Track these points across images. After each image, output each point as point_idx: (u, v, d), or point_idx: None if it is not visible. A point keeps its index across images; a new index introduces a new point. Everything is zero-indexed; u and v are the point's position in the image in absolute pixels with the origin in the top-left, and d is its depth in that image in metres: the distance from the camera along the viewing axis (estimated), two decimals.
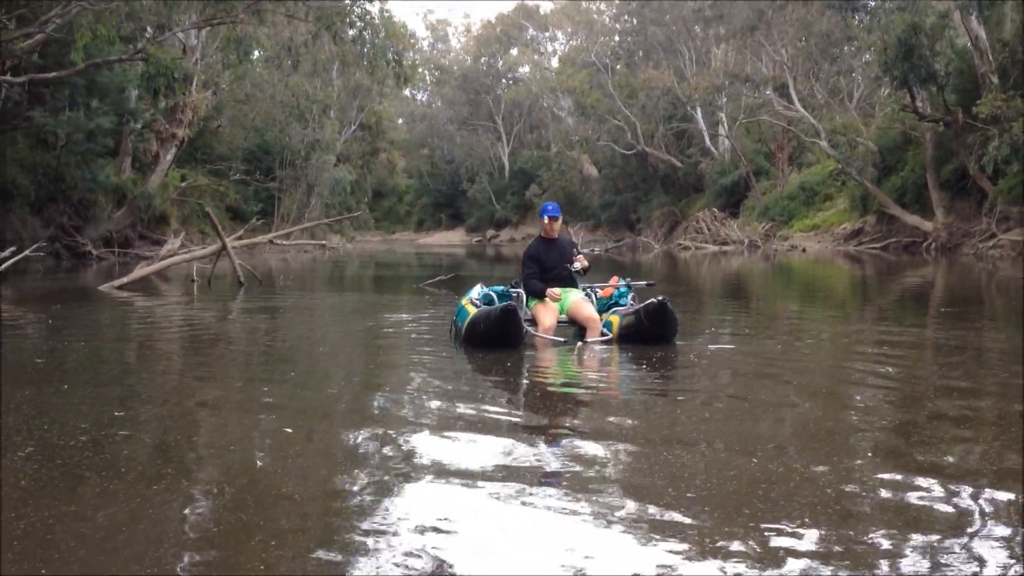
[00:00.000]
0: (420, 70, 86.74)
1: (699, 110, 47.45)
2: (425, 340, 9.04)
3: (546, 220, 8.76)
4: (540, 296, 8.44)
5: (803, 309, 14.12)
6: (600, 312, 8.54)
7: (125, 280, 15.20)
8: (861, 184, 34.22)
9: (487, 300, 8.59)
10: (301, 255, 36.70)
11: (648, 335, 7.97)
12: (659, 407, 5.85)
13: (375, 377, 7.34)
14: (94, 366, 7.66)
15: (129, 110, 29.52)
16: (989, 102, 25.38)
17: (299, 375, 7.06)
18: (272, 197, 44.21)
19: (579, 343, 8.15)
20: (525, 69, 77.55)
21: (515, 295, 8.58)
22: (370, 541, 3.33)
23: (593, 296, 8.83)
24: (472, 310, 8.26)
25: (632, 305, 8.56)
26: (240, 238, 21.01)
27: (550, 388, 6.87)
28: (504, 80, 78.26)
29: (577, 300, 8.51)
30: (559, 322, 8.45)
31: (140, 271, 15.90)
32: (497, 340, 7.85)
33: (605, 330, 8.32)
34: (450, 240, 69.60)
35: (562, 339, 8.33)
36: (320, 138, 44.77)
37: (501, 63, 78.48)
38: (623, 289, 8.91)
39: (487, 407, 5.71)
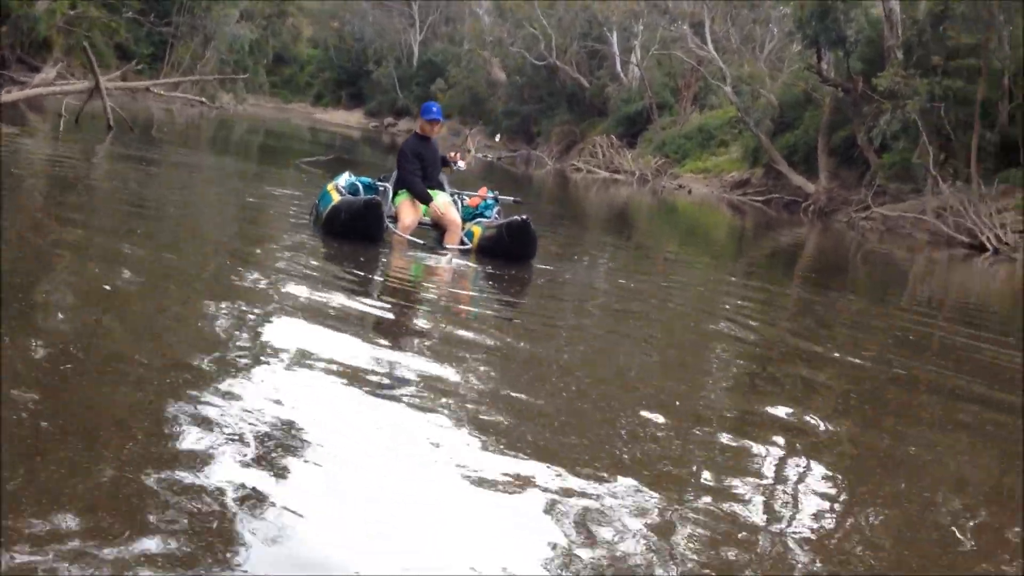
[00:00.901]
0: None
1: (615, 34, 47.09)
2: (286, 221, 8.83)
3: (429, 121, 8.56)
4: (423, 200, 8.27)
5: (679, 251, 14.34)
6: (464, 221, 8.45)
7: None
8: (756, 136, 34.68)
9: (352, 189, 8.39)
10: (188, 109, 35.34)
11: (507, 252, 7.93)
12: (502, 328, 5.85)
13: (227, 248, 7.13)
14: None
15: None
16: (889, 76, 25.86)
17: (148, 232, 6.81)
18: (165, 42, 42.21)
19: (439, 248, 8.07)
20: None
21: (382, 189, 8.41)
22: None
23: (459, 203, 8.72)
24: (336, 197, 8.06)
25: (496, 218, 8.50)
26: (122, 79, 20.00)
27: (402, 291, 6.80)
28: None
29: (443, 202, 8.39)
30: (420, 223, 8.33)
31: (5, 96, 14.99)
32: (356, 232, 7.70)
33: (465, 238, 8.24)
34: (347, 120, 68.06)
35: (421, 241, 8.23)
36: None
37: None
38: (490, 201, 8.82)
39: (336, 301, 5.63)
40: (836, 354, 6.80)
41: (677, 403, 4.68)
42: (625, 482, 3.40)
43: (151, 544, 2.38)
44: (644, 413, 4.32)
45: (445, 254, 7.94)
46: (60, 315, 4.50)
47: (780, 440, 4.30)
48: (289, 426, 3.38)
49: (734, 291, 9.85)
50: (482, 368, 4.73)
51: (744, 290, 10.02)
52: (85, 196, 8.74)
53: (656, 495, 3.33)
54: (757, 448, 4.13)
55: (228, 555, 2.42)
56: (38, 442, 2.86)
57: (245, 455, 3.08)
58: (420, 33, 71.98)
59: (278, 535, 2.62)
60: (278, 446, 3.19)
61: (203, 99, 33.96)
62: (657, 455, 3.82)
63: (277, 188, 11.76)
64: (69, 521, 2.42)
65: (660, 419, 4.28)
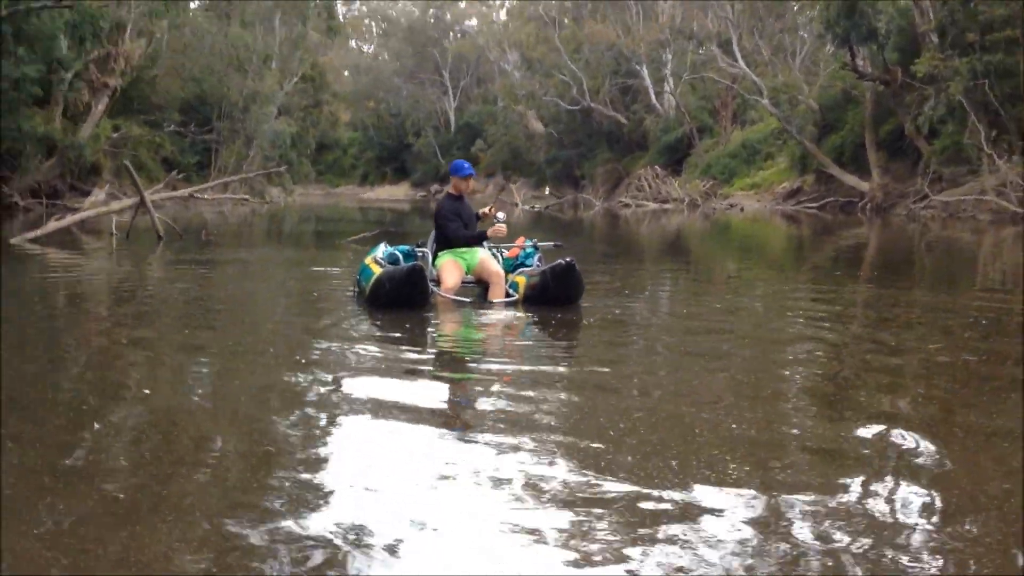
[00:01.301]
0: (366, 21, 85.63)
1: (644, 66, 47.23)
2: (339, 298, 8.85)
3: (463, 178, 8.55)
4: (478, 240, 8.27)
5: (740, 268, 14.10)
6: (506, 273, 8.38)
7: (38, 232, 14.73)
8: (801, 143, 34.33)
9: (392, 259, 8.38)
10: (239, 208, 36.04)
11: (554, 296, 7.84)
12: (571, 367, 5.76)
13: (282, 333, 7.14)
14: None
15: (58, 59, 28.58)
16: (927, 61, 25.49)
17: (207, 326, 6.88)
18: (210, 149, 43.30)
19: (486, 303, 8.01)
20: (472, 22, 76.69)
21: (420, 255, 8.39)
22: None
23: (499, 256, 8.67)
24: (376, 269, 8.05)
25: (538, 266, 8.42)
26: (172, 188, 20.50)
27: (459, 350, 6.74)
28: (451, 33, 77.34)
29: (483, 258, 8.34)
30: (464, 282, 8.28)
31: (54, 223, 15.41)
32: (403, 300, 7.66)
33: (511, 290, 8.17)
34: (394, 195, 68.93)
35: (467, 299, 8.17)
36: (260, 89, 43.82)
37: (448, 15, 77.48)
38: (529, 250, 8.75)
39: (397, 368, 5.64)
40: (915, 344, 6.59)
41: (763, 414, 4.54)
42: (737, 492, 3.33)
43: None
44: (732, 426, 4.25)
45: (492, 308, 7.86)
46: (141, 407, 4.57)
47: (883, 439, 4.14)
48: (377, 479, 3.49)
49: (802, 299, 9.64)
50: (558, 405, 4.69)
51: (812, 296, 9.80)
52: (145, 304, 8.86)
53: (767, 499, 3.26)
54: (857, 449, 3.99)
55: None
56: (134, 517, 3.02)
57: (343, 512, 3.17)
58: (454, 99, 73.00)
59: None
60: (373, 499, 3.29)
61: (247, 196, 34.63)
62: (756, 462, 3.72)
63: (330, 268, 11.87)
64: None
65: (750, 431, 4.19)
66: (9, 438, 3.97)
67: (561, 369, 5.76)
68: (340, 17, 59.75)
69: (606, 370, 5.69)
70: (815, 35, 41.35)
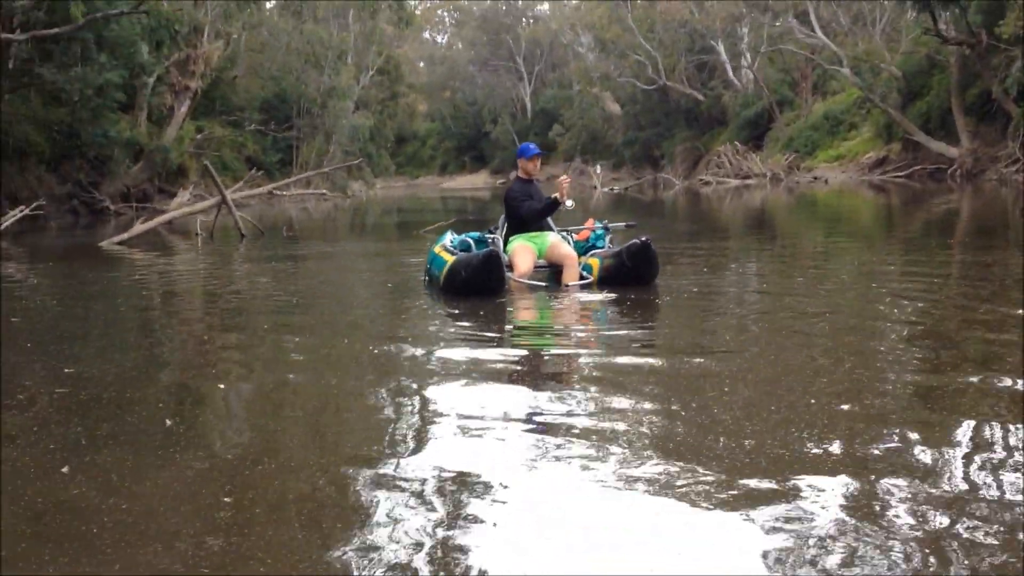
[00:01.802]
0: (439, 12, 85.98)
1: (720, 41, 46.50)
2: (418, 286, 8.88)
3: (530, 159, 8.51)
4: (552, 208, 8.22)
5: (827, 242, 13.73)
6: (578, 256, 8.31)
7: (125, 236, 15.11)
8: (885, 111, 33.45)
9: (464, 246, 8.37)
10: (322, 204, 36.53)
11: (630, 276, 7.75)
12: (657, 350, 5.67)
13: (365, 322, 7.20)
14: (63, 325, 7.56)
15: (139, 63, 29.25)
16: (1012, 22, 24.56)
17: (294, 322, 7.01)
18: (291, 146, 43.99)
19: (560, 287, 7.95)
20: (545, 6, 76.46)
21: (491, 240, 8.36)
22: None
23: (570, 239, 8.60)
24: (448, 257, 8.04)
25: (612, 247, 8.33)
26: (257, 185, 20.92)
27: (539, 336, 6.67)
28: (524, 19, 77.23)
29: (554, 242, 8.29)
30: (536, 266, 8.24)
31: (140, 227, 15.80)
32: (480, 287, 7.63)
33: (585, 273, 8.10)
34: (474, 183, 69.16)
35: (543, 283, 8.12)
36: (336, 85, 44.34)
37: (520, 2, 77.40)
38: (600, 231, 8.66)
39: (481, 356, 5.60)
40: (1019, 311, 6.29)
41: (863, 390, 4.39)
42: (842, 480, 3.20)
43: None
44: (840, 405, 4.10)
45: (567, 291, 7.81)
46: (241, 406, 4.65)
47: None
48: (478, 474, 3.40)
49: (894, 269, 9.36)
50: (652, 391, 4.56)
51: (905, 267, 9.50)
52: (230, 300, 9.01)
53: (870, 483, 3.15)
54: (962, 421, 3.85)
55: None
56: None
57: (437, 508, 3.09)
58: (529, 85, 72.93)
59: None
60: (471, 494, 3.19)
61: (324, 191, 35.10)
62: (859, 443, 3.59)
63: (413, 257, 11.92)
64: None
65: (852, 408, 4.05)
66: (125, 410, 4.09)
67: (645, 350, 5.68)
68: (413, 9, 59.98)
69: (695, 351, 5.56)
70: (894, 1, 40.27)
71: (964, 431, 3.77)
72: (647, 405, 4.26)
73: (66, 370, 5.45)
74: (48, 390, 4.95)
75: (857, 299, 7.42)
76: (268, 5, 46.76)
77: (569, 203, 8.31)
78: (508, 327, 6.98)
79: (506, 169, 70.48)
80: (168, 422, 4.27)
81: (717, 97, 47.70)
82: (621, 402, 4.32)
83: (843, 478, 3.21)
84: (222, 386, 5.09)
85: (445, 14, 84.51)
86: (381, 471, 3.43)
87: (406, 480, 3.33)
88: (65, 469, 3.52)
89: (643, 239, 7.64)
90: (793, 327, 6.18)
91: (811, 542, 2.72)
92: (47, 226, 22.76)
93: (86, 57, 26.10)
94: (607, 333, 6.45)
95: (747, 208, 24.64)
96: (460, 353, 5.64)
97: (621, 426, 3.91)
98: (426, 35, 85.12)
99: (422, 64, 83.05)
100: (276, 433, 4.16)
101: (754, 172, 39.40)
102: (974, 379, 4.56)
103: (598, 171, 45.80)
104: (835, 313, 6.74)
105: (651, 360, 5.29)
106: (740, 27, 44.88)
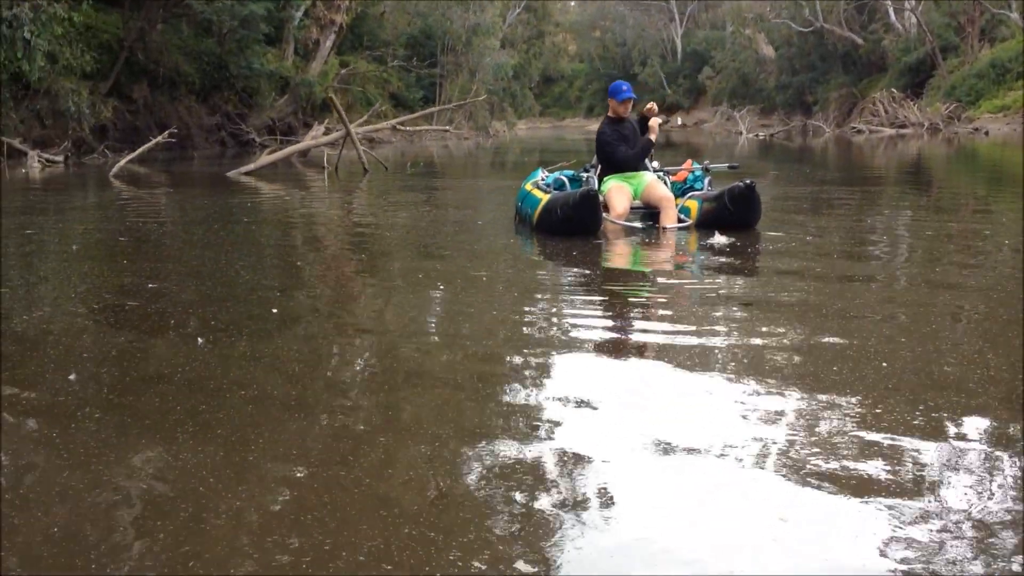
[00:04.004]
0: None
1: None
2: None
3: (622, 102, 8.08)
4: (645, 151, 7.90)
5: (988, 197, 12.66)
6: (675, 198, 7.89)
7: (252, 167, 15.37)
8: None
9: (559, 184, 8.06)
10: (463, 143, 36.56)
11: (731, 220, 7.31)
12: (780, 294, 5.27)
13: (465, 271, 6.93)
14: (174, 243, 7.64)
15: None
16: None
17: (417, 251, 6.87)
18: (435, 84, 44.07)
19: (658, 229, 7.57)
20: None
21: (586, 179, 8.02)
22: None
23: (667, 180, 8.17)
24: (541, 195, 7.75)
25: (710, 189, 7.87)
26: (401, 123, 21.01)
27: (645, 281, 6.19)
28: None
29: (650, 183, 7.88)
30: (633, 208, 7.86)
31: (266, 158, 16.05)
32: (575, 226, 7.34)
33: (683, 216, 7.69)
34: None
35: (638, 224, 7.74)
36: (481, 22, 44.04)
37: None
38: (698, 173, 8.20)
39: (582, 303, 5.34)
40: None
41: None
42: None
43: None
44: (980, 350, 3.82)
45: (666, 233, 7.42)
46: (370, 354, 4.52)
47: None
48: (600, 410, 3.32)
49: None
50: (777, 340, 4.23)
51: None
52: (358, 236, 8.91)
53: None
54: None
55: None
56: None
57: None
58: (681, 26, 71.05)
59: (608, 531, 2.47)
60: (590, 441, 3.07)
61: (447, 127, 35.16)
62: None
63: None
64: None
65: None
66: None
67: (749, 299, 5.27)
68: None
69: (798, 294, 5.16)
70: None
71: None
72: (779, 354, 3.97)
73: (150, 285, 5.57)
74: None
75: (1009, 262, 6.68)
76: None
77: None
78: (607, 271, 6.54)
79: None
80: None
81: (877, 41, 45.28)
82: (733, 352, 4.04)
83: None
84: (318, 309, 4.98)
85: None
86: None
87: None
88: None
89: (747, 182, 7.22)
90: (929, 281, 5.66)
91: None
92: (193, 156, 23.48)
93: None
94: (716, 279, 5.94)
95: (901, 159, 23.26)
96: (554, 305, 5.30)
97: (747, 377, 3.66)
98: None
99: (572, 2, 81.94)
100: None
101: (910, 121, 37.34)
102: None
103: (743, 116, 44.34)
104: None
105: (755, 306, 4.96)
106: None
